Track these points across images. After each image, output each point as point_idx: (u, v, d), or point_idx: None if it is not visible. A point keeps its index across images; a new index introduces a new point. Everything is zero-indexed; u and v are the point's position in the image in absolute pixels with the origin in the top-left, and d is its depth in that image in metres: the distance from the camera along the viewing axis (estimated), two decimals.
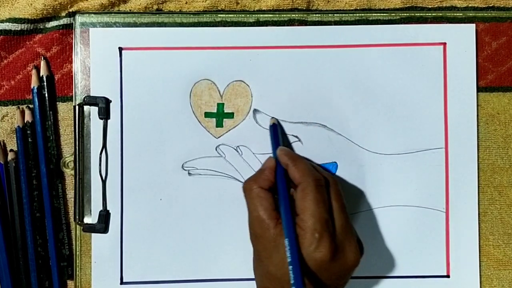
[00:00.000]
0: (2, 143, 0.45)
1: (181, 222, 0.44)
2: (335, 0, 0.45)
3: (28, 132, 0.44)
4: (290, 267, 0.33)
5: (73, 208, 0.44)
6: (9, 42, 0.44)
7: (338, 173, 0.44)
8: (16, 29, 0.43)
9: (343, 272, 0.36)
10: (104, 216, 0.43)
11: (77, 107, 0.43)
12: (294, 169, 0.38)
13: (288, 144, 0.44)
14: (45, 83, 0.44)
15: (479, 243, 0.45)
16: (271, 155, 0.42)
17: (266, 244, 0.36)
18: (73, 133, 0.44)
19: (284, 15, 0.44)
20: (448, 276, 0.44)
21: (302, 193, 0.36)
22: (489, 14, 0.45)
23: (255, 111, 0.44)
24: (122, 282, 0.44)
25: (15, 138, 0.44)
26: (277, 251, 0.36)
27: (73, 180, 0.44)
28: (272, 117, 0.44)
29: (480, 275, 0.45)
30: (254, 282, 0.43)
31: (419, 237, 0.44)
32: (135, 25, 0.44)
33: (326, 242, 0.35)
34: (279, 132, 0.43)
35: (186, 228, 0.44)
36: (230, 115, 0.44)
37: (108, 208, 0.44)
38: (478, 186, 0.45)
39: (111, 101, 0.44)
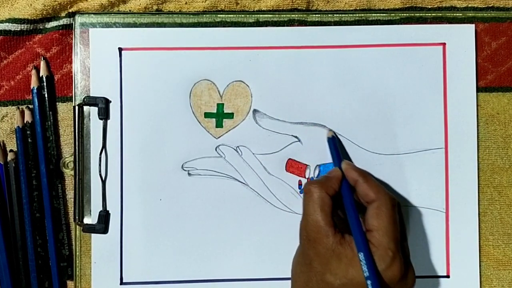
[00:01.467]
0: (2, 143, 0.45)
1: (181, 222, 0.44)
2: (335, 0, 0.45)
3: (28, 132, 0.44)
4: (368, 281, 0.34)
5: (73, 209, 0.44)
6: (8, 43, 0.44)
7: None
8: (16, 29, 0.43)
9: None
10: (104, 216, 0.43)
11: (76, 107, 0.43)
12: (367, 186, 0.38)
13: (346, 157, 0.44)
14: (44, 84, 0.44)
15: (479, 243, 0.45)
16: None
17: (322, 250, 0.36)
18: (72, 133, 0.44)
19: (284, 16, 0.44)
20: (448, 276, 0.44)
21: (377, 210, 0.36)
22: (489, 14, 0.45)
23: (255, 111, 0.44)
24: (122, 283, 0.44)
25: (15, 138, 0.44)
26: (337, 260, 0.35)
27: (73, 181, 0.44)
28: (330, 130, 0.44)
29: (480, 275, 0.45)
30: (254, 282, 0.43)
31: (419, 237, 0.44)
32: (134, 25, 0.44)
33: (398, 262, 0.35)
34: (338, 144, 0.43)
35: (186, 228, 0.44)
36: (230, 116, 0.44)
37: (108, 209, 0.44)
38: (478, 186, 0.45)
39: (110, 101, 0.44)
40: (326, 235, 0.36)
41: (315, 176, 0.44)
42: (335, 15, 0.44)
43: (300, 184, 0.44)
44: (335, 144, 0.43)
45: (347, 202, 0.38)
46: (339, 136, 0.44)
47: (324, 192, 0.37)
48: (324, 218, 0.37)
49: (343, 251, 0.35)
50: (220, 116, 0.44)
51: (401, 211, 0.39)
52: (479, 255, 0.45)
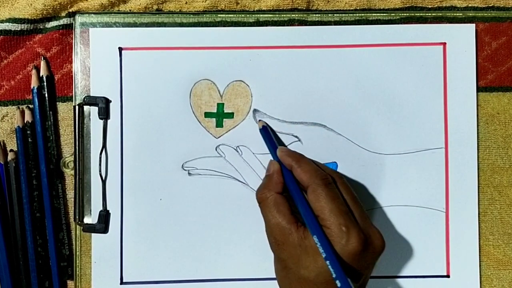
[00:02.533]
0: (2, 143, 0.45)
1: (181, 222, 0.44)
2: (335, 0, 0.45)
3: (28, 132, 0.44)
4: (327, 262, 0.34)
5: (73, 208, 0.44)
6: (9, 42, 0.44)
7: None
8: (16, 29, 0.43)
9: (373, 259, 0.37)
10: (104, 216, 0.43)
11: (77, 107, 0.43)
12: (300, 170, 0.38)
13: (281, 144, 0.44)
14: (45, 83, 0.44)
15: (479, 243, 0.45)
16: (271, 158, 0.41)
17: (291, 250, 0.36)
18: (73, 133, 0.44)
19: (284, 15, 0.44)
20: (448, 276, 0.44)
21: (314, 194, 0.36)
22: (489, 14, 0.45)
23: (255, 111, 0.44)
24: (122, 282, 0.44)
25: (15, 138, 0.44)
26: (305, 254, 0.35)
27: (73, 180, 0.44)
28: (260, 120, 0.44)
29: (480, 275, 0.45)
30: (254, 282, 0.43)
31: (419, 237, 0.44)
32: (135, 25, 0.44)
33: (355, 232, 0.35)
34: (271, 132, 0.43)
35: (186, 228, 0.44)
36: (230, 115, 0.44)
37: (108, 208, 0.44)
38: (478, 186, 0.45)
39: (111, 101, 0.44)
40: (290, 233, 0.36)
41: None
42: (335, 15, 0.44)
43: None
44: (268, 133, 0.42)
45: (291, 190, 0.38)
46: (339, 136, 0.44)
47: (274, 193, 0.38)
48: (283, 218, 0.37)
49: (308, 243, 0.35)
50: (220, 115, 0.44)
51: (344, 182, 0.39)
52: (479, 255, 0.45)
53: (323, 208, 0.36)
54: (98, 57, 0.44)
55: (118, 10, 0.45)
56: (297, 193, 0.37)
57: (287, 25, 0.44)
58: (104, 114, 0.43)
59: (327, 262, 0.34)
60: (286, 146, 0.42)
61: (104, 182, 0.44)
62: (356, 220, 0.36)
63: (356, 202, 0.38)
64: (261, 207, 0.38)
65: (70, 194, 0.45)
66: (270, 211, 0.37)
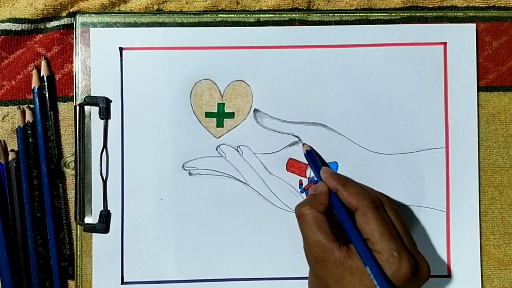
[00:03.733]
0: (3, 143, 0.45)
1: (182, 222, 0.44)
2: (336, 0, 0.45)
3: (29, 132, 0.44)
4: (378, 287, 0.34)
5: (73, 208, 0.44)
6: (9, 42, 0.44)
7: (339, 172, 0.44)
8: (17, 29, 0.44)
9: (419, 285, 0.36)
10: (105, 216, 0.43)
11: (77, 107, 0.43)
12: (347, 194, 0.38)
13: (325, 165, 0.44)
14: (45, 83, 0.44)
15: (480, 243, 0.45)
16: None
17: (333, 268, 0.36)
18: (73, 133, 0.44)
19: (285, 15, 0.44)
20: (449, 276, 0.44)
21: (363, 217, 0.36)
22: (490, 14, 0.45)
23: (256, 111, 0.44)
24: (122, 282, 0.44)
25: (16, 138, 0.44)
26: (350, 273, 0.35)
27: (74, 180, 0.44)
28: (304, 144, 0.44)
29: (481, 275, 0.44)
30: (255, 281, 0.43)
31: (420, 237, 0.44)
32: (135, 25, 0.44)
33: (406, 258, 0.35)
34: (315, 155, 0.43)
35: (186, 228, 0.44)
36: (231, 115, 0.44)
37: (108, 208, 0.44)
38: (479, 186, 0.44)
39: (111, 101, 0.44)
40: (331, 252, 0.36)
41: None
42: (335, 14, 0.44)
43: (300, 183, 0.44)
44: (312, 157, 0.42)
45: (340, 215, 0.38)
46: (339, 135, 0.44)
47: (315, 211, 0.37)
48: (325, 236, 0.36)
49: (353, 263, 0.35)
50: (220, 115, 0.44)
51: (393, 206, 0.39)
52: (480, 255, 0.45)
53: (374, 231, 0.35)
54: (99, 57, 0.44)
55: (119, 10, 0.45)
56: (344, 216, 0.37)
57: (288, 25, 0.44)
58: (105, 114, 0.43)
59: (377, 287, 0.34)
60: (330, 168, 0.42)
61: (104, 182, 0.44)
62: (405, 245, 0.36)
63: (405, 227, 0.38)
64: (299, 223, 0.38)
65: (71, 194, 0.45)
66: (310, 228, 0.37)
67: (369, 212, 0.36)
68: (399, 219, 0.38)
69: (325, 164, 0.44)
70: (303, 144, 0.44)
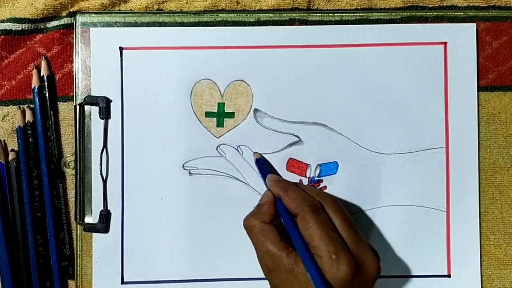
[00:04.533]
0: (3, 143, 0.45)
1: (182, 221, 0.44)
2: None
3: (29, 132, 0.44)
4: None
5: (74, 208, 0.44)
6: (10, 42, 0.44)
7: (339, 172, 0.44)
8: (17, 29, 0.44)
9: (367, 285, 0.36)
10: (105, 215, 0.43)
11: (77, 106, 0.43)
12: (288, 199, 0.38)
13: (275, 173, 0.43)
14: (46, 83, 0.44)
15: (480, 243, 0.45)
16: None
17: (283, 276, 0.36)
18: (73, 132, 0.44)
19: (285, 15, 0.44)
20: (449, 276, 0.44)
21: (302, 221, 0.36)
22: (490, 13, 0.45)
23: (256, 110, 0.44)
24: (123, 282, 0.44)
25: (16, 138, 0.44)
26: (297, 280, 0.35)
27: (74, 180, 0.44)
28: (255, 152, 0.44)
29: (481, 275, 0.44)
30: (255, 281, 0.43)
31: (420, 236, 0.44)
32: (135, 24, 0.44)
33: (345, 260, 0.35)
34: (265, 163, 0.43)
35: (186, 227, 0.44)
36: (231, 115, 0.44)
37: (108, 208, 0.44)
38: (479, 186, 0.44)
39: (111, 100, 0.44)
40: (280, 260, 0.36)
41: (316, 175, 0.44)
42: (336, 14, 0.44)
43: (301, 183, 0.44)
44: (261, 165, 0.42)
45: (284, 221, 0.38)
46: (340, 135, 0.44)
47: (260, 223, 0.37)
48: (273, 245, 0.36)
49: (299, 269, 0.35)
50: (221, 115, 0.44)
51: (336, 205, 0.38)
52: (480, 255, 0.45)
53: (312, 235, 0.35)
54: (99, 57, 0.44)
55: (119, 10, 0.45)
56: (288, 222, 0.37)
57: (288, 25, 0.44)
58: (105, 114, 0.43)
59: None
60: (276, 175, 0.42)
61: (105, 181, 0.44)
62: (348, 245, 0.36)
63: (350, 226, 0.37)
64: (249, 235, 0.38)
65: (71, 194, 0.45)
66: (258, 239, 0.37)
67: (307, 216, 0.36)
68: (343, 219, 0.37)
69: (274, 172, 0.43)
70: (254, 152, 0.44)
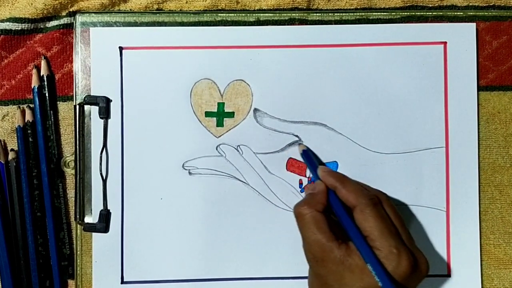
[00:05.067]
0: (2, 142, 0.45)
1: (182, 221, 0.44)
2: None
3: (29, 131, 0.44)
4: (381, 284, 0.34)
5: (73, 208, 0.44)
6: (9, 42, 0.44)
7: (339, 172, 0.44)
8: (17, 28, 0.43)
9: (418, 281, 0.37)
10: (105, 215, 0.43)
11: (77, 106, 0.43)
12: (345, 191, 0.38)
13: (322, 164, 0.43)
14: (45, 83, 0.44)
15: (480, 242, 0.45)
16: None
17: (332, 267, 0.36)
18: (73, 132, 0.44)
19: (285, 14, 0.44)
20: (449, 275, 0.44)
21: (362, 214, 0.36)
22: (490, 13, 0.45)
23: (256, 110, 0.44)
24: (122, 282, 0.44)
25: (15, 137, 0.44)
26: (350, 271, 0.35)
27: (74, 180, 0.44)
28: (300, 143, 0.44)
29: (481, 274, 0.44)
30: (255, 281, 0.43)
31: (420, 236, 0.44)
32: (135, 24, 0.44)
33: (405, 255, 0.35)
34: (312, 155, 0.43)
35: (186, 227, 0.44)
36: (231, 115, 0.44)
37: (108, 208, 0.44)
38: (479, 185, 0.44)
39: (111, 100, 0.44)
40: (331, 250, 0.36)
41: None
42: (335, 14, 0.44)
43: (300, 183, 0.44)
44: (309, 156, 0.42)
45: (339, 213, 0.38)
46: (339, 135, 0.44)
47: (314, 211, 0.37)
48: (324, 235, 0.36)
49: (353, 261, 0.35)
50: (220, 115, 0.44)
51: (391, 203, 0.39)
52: (480, 254, 0.45)
53: (372, 229, 0.36)
54: (99, 57, 0.44)
55: (119, 10, 0.45)
56: (342, 214, 0.37)
57: (288, 24, 0.44)
58: (105, 114, 0.43)
59: (380, 285, 0.34)
60: (327, 166, 0.42)
61: (104, 181, 0.44)
62: (403, 242, 0.36)
63: (403, 224, 0.38)
64: (298, 223, 0.38)
65: (71, 194, 0.45)
66: (309, 228, 0.37)
67: (367, 209, 0.36)
68: (397, 216, 0.38)
69: (322, 163, 0.44)
70: (299, 143, 0.44)
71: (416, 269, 0.36)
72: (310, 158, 0.42)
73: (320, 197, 0.38)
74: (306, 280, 0.40)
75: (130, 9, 0.44)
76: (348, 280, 0.35)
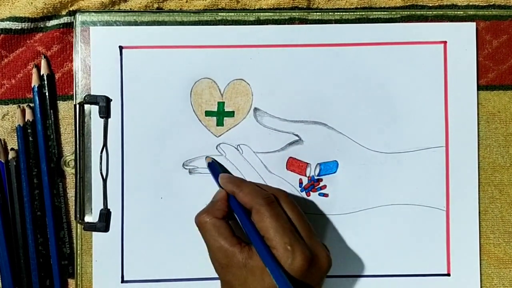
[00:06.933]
0: (3, 142, 0.45)
1: (182, 220, 0.44)
2: None
3: (29, 131, 0.44)
4: (277, 283, 0.34)
5: (74, 207, 0.44)
6: (9, 41, 0.44)
7: (339, 171, 0.44)
8: (17, 28, 0.43)
9: (320, 276, 0.37)
10: (105, 214, 0.43)
11: (77, 105, 0.43)
12: (242, 194, 0.38)
13: (228, 173, 0.44)
14: (45, 82, 0.44)
15: (480, 242, 0.45)
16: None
17: (237, 271, 0.36)
18: (73, 131, 0.44)
19: (285, 14, 0.44)
20: (448, 275, 0.44)
21: (257, 214, 0.37)
22: (490, 13, 0.45)
23: (256, 109, 0.44)
24: (123, 281, 0.44)
25: (15, 137, 0.44)
26: (252, 274, 0.36)
27: (74, 179, 0.44)
28: (207, 157, 0.44)
29: (480, 274, 0.45)
30: None
31: (420, 235, 0.44)
32: (135, 23, 0.44)
33: (300, 251, 0.35)
34: (217, 165, 0.43)
35: (186, 226, 0.44)
36: (231, 114, 0.44)
37: (108, 207, 0.44)
38: (479, 185, 0.45)
39: (111, 99, 0.44)
40: (234, 255, 0.36)
41: (316, 174, 0.44)
42: (336, 13, 0.44)
43: (300, 182, 0.44)
44: (213, 168, 0.42)
45: (238, 216, 0.38)
46: (340, 134, 0.44)
47: (213, 218, 0.38)
48: (225, 241, 0.37)
49: (254, 263, 0.35)
50: (220, 114, 0.44)
51: (290, 200, 0.39)
52: (480, 254, 0.45)
53: (268, 227, 0.36)
54: (99, 56, 0.44)
55: (119, 9, 0.45)
56: (242, 216, 0.37)
57: (288, 24, 0.44)
58: (105, 113, 0.43)
59: (277, 283, 0.34)
60: (228, 174, 0.42)
61: (104, 180, 0.44)
62: (302, 237, 0.37)
63: (302, 219, 0.38)
64: (200, 231, 0.38)
65: (71, 193, 0.45)
66: (211, 235, 0.37)
67: (262, 209, 0.36)
68: (296, 212, 0.38)
69: (225, 171, 0.44)
70: (206, 157, 0.44)
71: (314, 264, 0.36)
72: (214, 169, 0.42)
73: (220, 204, 0.39)
74: None
75: (130, 8, 0.44)
76: (251, 282, 0.35)
